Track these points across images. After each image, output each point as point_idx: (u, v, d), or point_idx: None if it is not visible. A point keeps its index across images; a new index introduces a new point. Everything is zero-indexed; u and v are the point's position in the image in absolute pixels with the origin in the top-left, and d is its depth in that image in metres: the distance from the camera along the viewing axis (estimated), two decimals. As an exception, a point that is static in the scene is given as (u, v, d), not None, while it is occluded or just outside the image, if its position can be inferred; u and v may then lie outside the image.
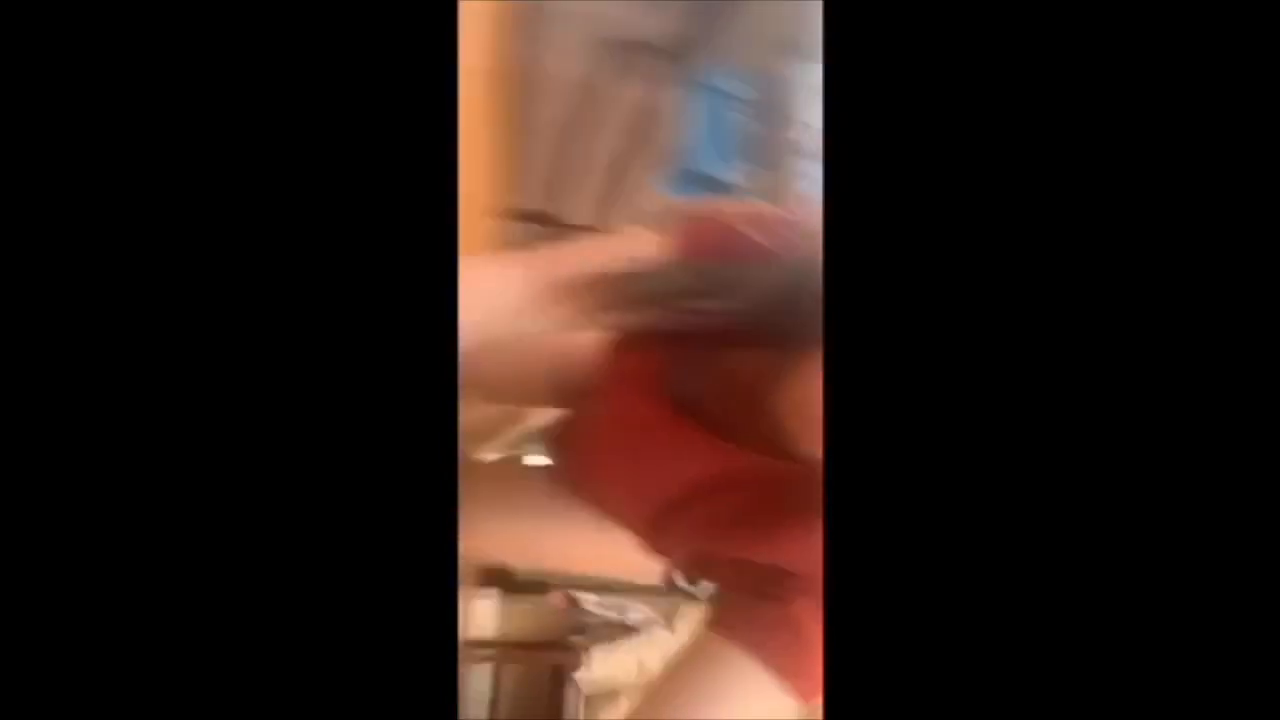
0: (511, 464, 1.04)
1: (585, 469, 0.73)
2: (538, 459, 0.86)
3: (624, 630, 2.17)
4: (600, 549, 0.76)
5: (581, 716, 2.03)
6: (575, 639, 2.12)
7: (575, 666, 2.03)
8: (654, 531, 0.61)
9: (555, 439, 0.82)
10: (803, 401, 0.46)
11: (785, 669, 0.45)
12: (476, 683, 2.09)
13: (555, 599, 2.28)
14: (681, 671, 0.51)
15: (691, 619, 0.67)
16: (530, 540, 0.78)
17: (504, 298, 0.51)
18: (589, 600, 2.27)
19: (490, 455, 1.05)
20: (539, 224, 1.87)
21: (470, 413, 1.07)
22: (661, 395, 0.56)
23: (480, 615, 2.16)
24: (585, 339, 0.68)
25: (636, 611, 2.22)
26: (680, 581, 0.83)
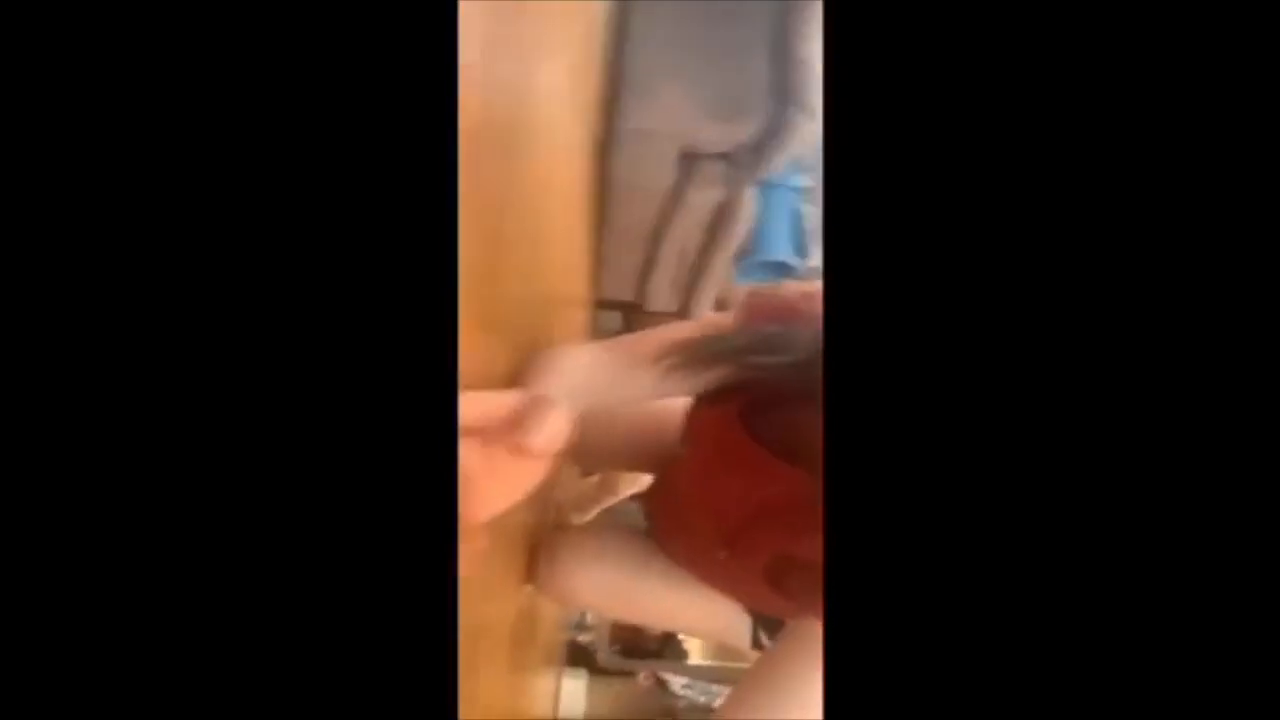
0: (604, 523, 1.14)
1: (673, 508, 0.82)
2: (631, 520, 0.95)
3: (710, 713, 2.14)
4: (690, 599, 0.83)
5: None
6: (663, 720, 2.11)
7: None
8: (737, 542, 0.70)
9: (646, 495, 0.92)
10: None
11: None
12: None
13: (643, 680, 2.29)
14: (788, 648, 0.61)
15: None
16: (623, 592, 0.86)
17: (595, 377, 0.62)
18: (676, 683, 2.26)
19: (584, 519, 1.15)
20: (626, 312, 2.03)
21: (569, 485, 1.18)
22: (738, 432, 0.65)
23: (570, 696, 2.19)
24: (669, 407, 0.79)
25: (723, 696, 2.19)
26: (765, 639, 0.88)
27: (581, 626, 2.31)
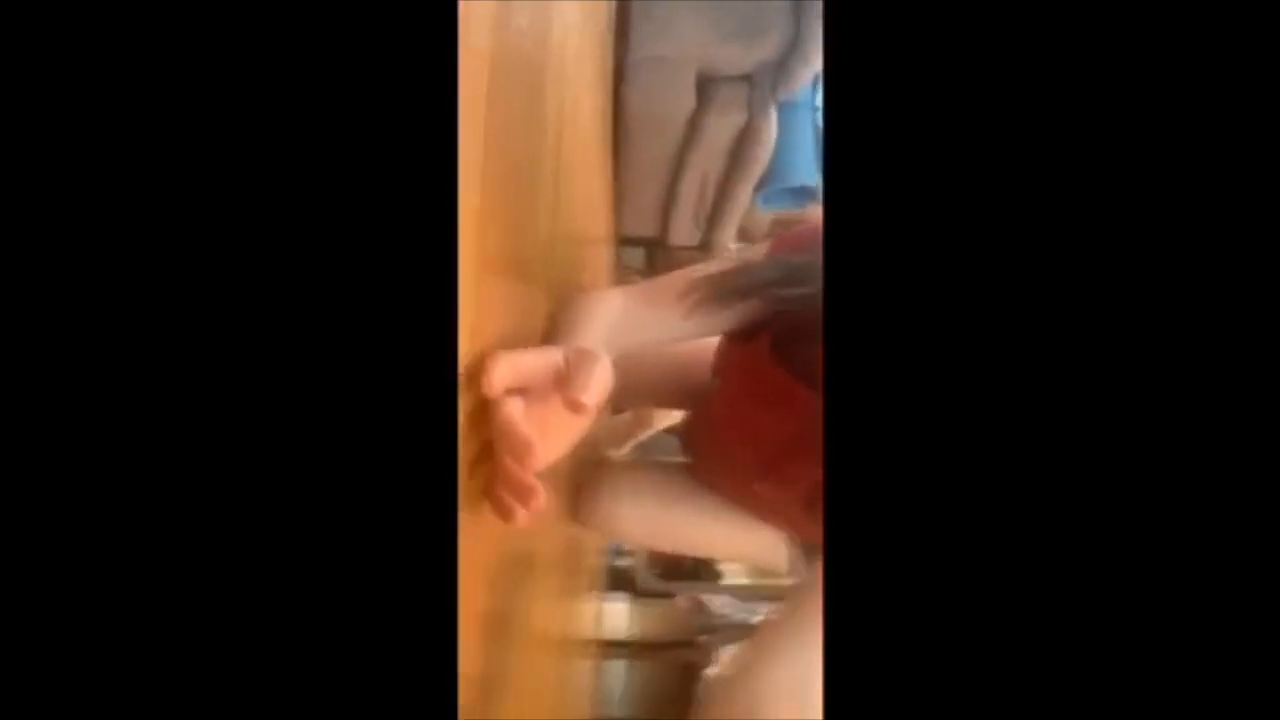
0: (642, 457, 1.16)
1: (709, 442, 0.84)
2: (668, 455, 0.98)
3: (747, 630, 2.23)
4: (729, 528, 0.86)
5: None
6: (704, 638, 2.21)
7: (705, 664, 2.12)
8: (774, 472, 0.72)
9: (681, 430, 0.94)
10: None
11: None
12: (611, 680, 2.22)
13: (683, 602, 2.38)
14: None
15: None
16: (662, 523, 0.89)
17: (628, 321, 0.61)
18: (715, 603, 2.35)
19: (620, 454, 1.17)
20: (648, 248, 2.01)
21: (602, 421, 1.20)
22: (770, 365, 0.66)
23: (613, 618, 2.30)
24: (697, 344, 0.79)
25: (761, 615, 2.27)
26: (803, 563, 0.91)
27: (621, 552, 2.40)
